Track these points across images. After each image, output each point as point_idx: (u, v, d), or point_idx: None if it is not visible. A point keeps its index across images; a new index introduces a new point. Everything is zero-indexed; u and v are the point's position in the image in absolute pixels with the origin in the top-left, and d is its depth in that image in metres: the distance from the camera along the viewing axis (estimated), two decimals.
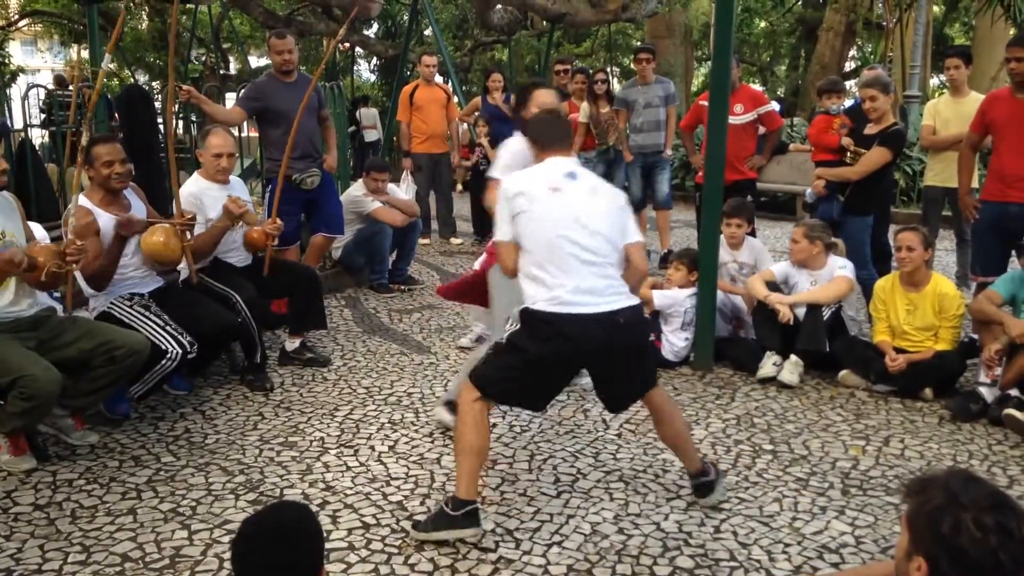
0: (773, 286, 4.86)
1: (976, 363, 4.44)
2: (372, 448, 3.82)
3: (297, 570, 1.78)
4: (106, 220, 4.01)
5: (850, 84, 13.38)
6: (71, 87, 7.00)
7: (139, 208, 4.24)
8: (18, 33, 23.45)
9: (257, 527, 1.82)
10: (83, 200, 3.96)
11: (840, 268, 4.81)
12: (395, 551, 2.92)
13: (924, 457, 3.78)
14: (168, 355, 3.93)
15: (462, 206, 9.54)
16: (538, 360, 2.94)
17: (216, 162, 4.57)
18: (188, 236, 4.24)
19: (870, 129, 5.33)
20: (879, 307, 4.67)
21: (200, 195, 4.54)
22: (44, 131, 9.41)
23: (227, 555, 2.84)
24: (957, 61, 6.13)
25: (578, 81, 8.17)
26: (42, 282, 3.55)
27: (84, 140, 3.81)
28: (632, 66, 8.11)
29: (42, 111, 9.10)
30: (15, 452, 3.51)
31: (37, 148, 6.82)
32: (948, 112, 6.13)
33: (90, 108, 4.25)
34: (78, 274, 3.95)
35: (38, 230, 4.16)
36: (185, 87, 5.30)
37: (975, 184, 5.38)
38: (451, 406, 3.90)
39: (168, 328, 4.01)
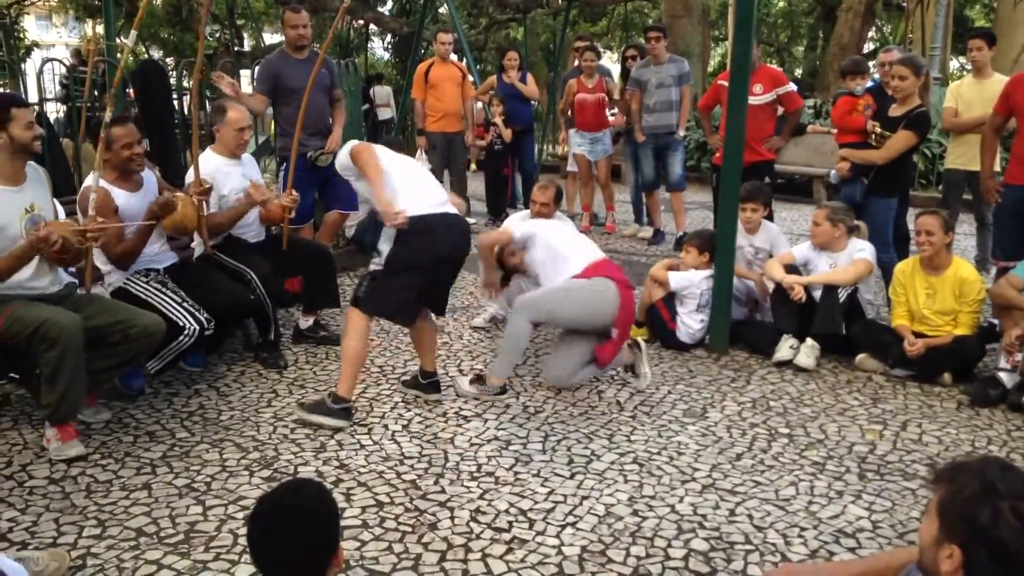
0: (792, 269, 4.81)
1: (996, 348, 4.40)
2: (386, 427, 3.81)
3: (313, 548, 1.77)
4: (123, 199, 4.01)
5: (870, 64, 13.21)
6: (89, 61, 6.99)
7: (151, 182, 4.23)
8: (33, 8, 23.47)
9: (274, 506, 1.81)
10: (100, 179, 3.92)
11: (859, 251, 4.75)
12: (409, 529, 2.92)
13: (942, 442, 3.74)
14: (186, 331, 3.91)
15: (476, 185, 9.49)
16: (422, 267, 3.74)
17: (240, 136, 4.57)
18: (205, 206, 4.23)
19: (895, 110, 5.23)
20: (898, 291, 4.62)
21: (213, 172, 4.51)
22: (59, 106, 9.40)
23: (242, 531, 2.85)
24: (980, 43, 6.05)
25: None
26: (62, 259, 3.54)
27: (108, 116, 3.79)
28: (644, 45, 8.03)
29: (62, 85, 9.07)
30: (64, 438, 3.44)
31: (52, 123, 6.83)
32: (971, 94, 6.04)
33: (115, 84, 4.23)
34: (98, 252, 3.95)
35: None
36: (217, 72, 5.31)
37: (997, 167, 5.31)
38: (479, 380, 4.21)
39: (185, 304, 4.00)
